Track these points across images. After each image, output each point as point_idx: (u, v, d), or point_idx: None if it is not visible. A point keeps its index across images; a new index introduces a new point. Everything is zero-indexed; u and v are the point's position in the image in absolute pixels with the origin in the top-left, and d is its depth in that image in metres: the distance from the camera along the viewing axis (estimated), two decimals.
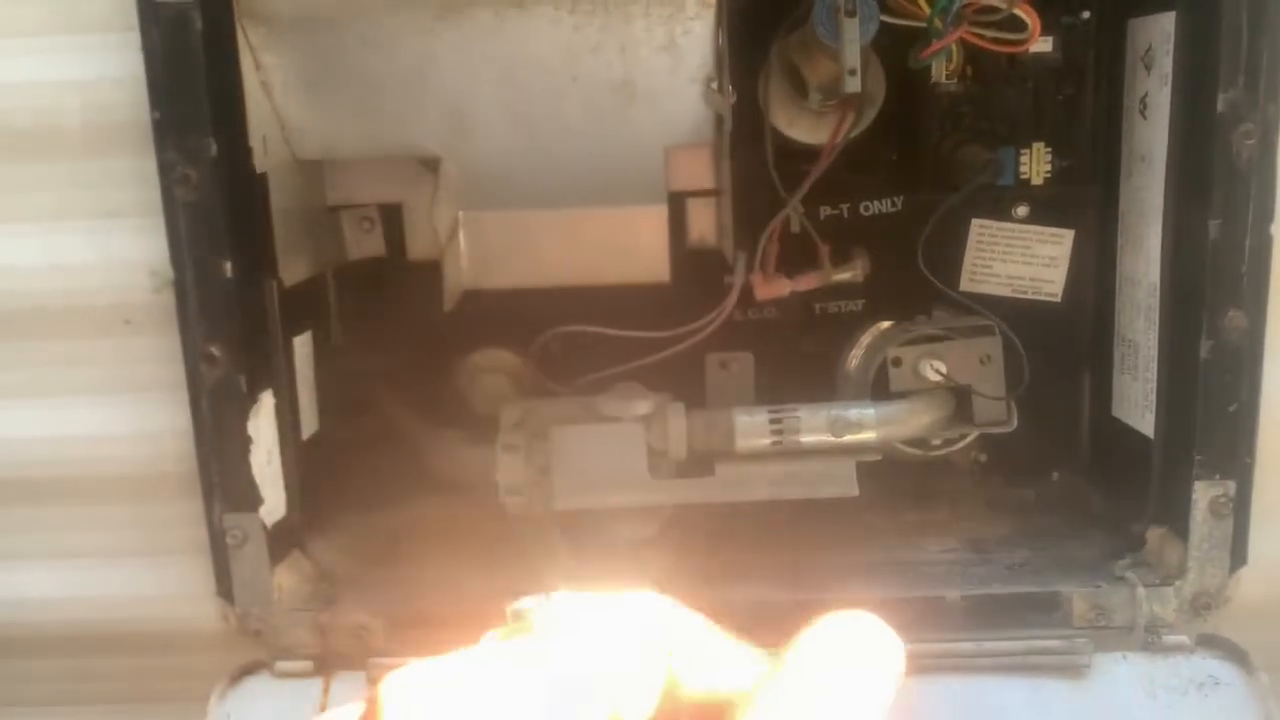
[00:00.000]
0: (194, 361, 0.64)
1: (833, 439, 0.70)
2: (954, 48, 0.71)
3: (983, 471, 0.83)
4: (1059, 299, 0.80)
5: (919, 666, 0.67)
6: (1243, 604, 0.68)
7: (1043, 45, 0.72)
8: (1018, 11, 0.66)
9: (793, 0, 0.68)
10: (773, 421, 0.70)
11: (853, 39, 0.63)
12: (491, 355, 0.80)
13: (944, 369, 0.73)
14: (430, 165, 0.70)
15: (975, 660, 0.67)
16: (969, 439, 0.77)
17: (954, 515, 0.80)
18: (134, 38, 0.61)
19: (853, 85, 0.63)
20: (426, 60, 0.63)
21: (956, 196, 0.73)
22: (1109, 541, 0.74)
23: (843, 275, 0.76)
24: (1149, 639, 0.67)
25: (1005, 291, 0.80)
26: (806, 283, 0.75)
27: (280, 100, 0.65)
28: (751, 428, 0.70)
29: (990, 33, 0.68)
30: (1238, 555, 0.67)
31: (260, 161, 0.64)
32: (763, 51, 0.72)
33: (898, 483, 0.82)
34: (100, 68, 0.63)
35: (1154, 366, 0.70)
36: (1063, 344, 0.81)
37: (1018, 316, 0.78)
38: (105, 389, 0.68)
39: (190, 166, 0.61)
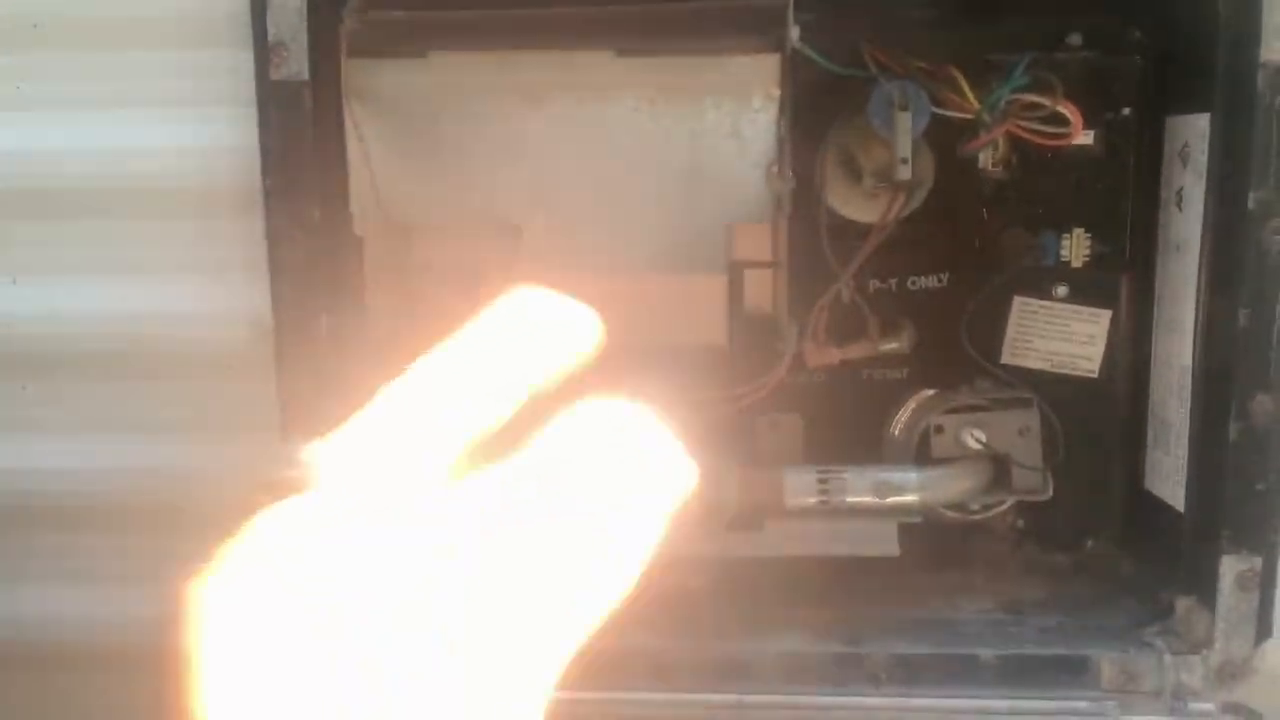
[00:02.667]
0: (290, 406, 0.70)
1: (876, 500, 0.74)
2: (1000, 140, 0.76)
3: (1020, 537, 0.86)
4: (1096, 375, 0.83)
5: None
6: (1268, 674, 0.71)
7: (1085, 138, 0.77)
8: (1060, 108, 0.71)
9: (846, 94, 0.73)
10: (820, 481, 0.74)
11: (905, 130, 0.68)
12: None
13: (984, 438, 0.76)
14: (513, 232, 0.76)
15: (1006, 718, 0.71)
16: (1006, 505, 0.81)
17: (990, 578, 0.83)
18: (249, 112, 0.68)
19: (904, 173, 0.68)
20: (514, 140, 0.69)
21: (1000, 277, 0.77)
22: (1139, 609, 0.76)
23: (889, 345, 0.80)
24: (1175, 705, 0.70)
25: (1045, 366, 0.83)
26: (855, 352, 0.80)
27: (377, 170, 0.71)
28: (800, 486, 0.74)
29: (1035, 126, 0.73)
30: (1263, 628, 0.70)
31: (359, 226, 0.70)
32: (821, 136, 0.77)
33: (938, 545, 0.85)
34: (218, 137, 0.70)
35: (1185, 444, 0.74)
36: (1099, 418, 0.84)
37: (1056, 390, 0.82)
38: (202, 427, 0.74)
39: (296, 229, 0.68)
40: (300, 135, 0.67)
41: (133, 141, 0.70)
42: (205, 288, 0.72)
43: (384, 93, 0.69)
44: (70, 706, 0.79)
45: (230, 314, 0.72)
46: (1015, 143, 0.77)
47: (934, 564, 0.84)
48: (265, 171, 0.68)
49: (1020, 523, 0.85)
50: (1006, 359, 0.83)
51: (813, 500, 0.74)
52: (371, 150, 0.71)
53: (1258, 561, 0.69)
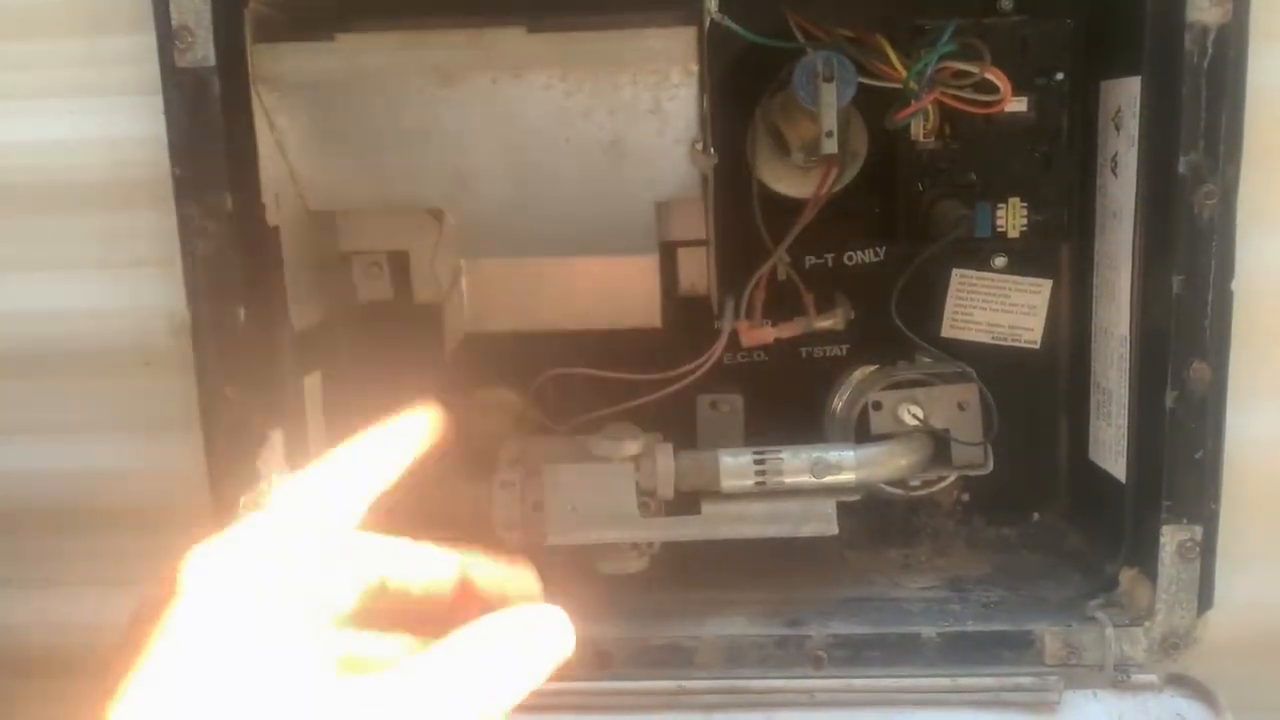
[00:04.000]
0: (209, 401, 0.68)
1: (814, 480, 0.73)
2: (930, 108, 0.74)
3: (965, 511, 0.85)
4: (1038, 346, 0.83)
5: (894, 701, 0.70)
6: (1211, 645, 0.70)
7: (1018, 105, 0.75)
8: (989, 75, 0.70)
9: (775, 65, 0.72)
10: (756, 463, 0.73)
11: (830, 103, 0.67)
12: (491, 395, 0.84)
13: (922, 414, 0.76)
14: (435, 216, 0.74)
15: (949, 696, 0.70)
16: (947, 482, 0.80)
17: (934, 553, 0.82)
18: (156, 100, 0.66)
19: (830, 146, 0.67)
20: (429, 121, 0.67)
21: (931, 249, 0.76)
22: (1084, 581, 0.76)
23: (825, 323, 0.79)
24: (1118, 677, 0.70)
25: (986, 338, 0.82)
26: (790, 330, 0.79)
27: (292, 157, 0.69)
28: (736, 469, 0.73)
29: (964, 94, 0.71)
30: (1205, 598, 0.69)
31: (273, 215, 0.68)
32: (749, 111, 0.76)
33: (882, 521, 0.85)
34: (125, 128, 0.68)
35: (1125, 413, 0.73)
36: (1042, 389, 0.83)
37: (998, 362, 0.81)
38: (124, 426, 0.72)
39: (208, 220, 0.66)
40: (209, 123, 0.65)
41: (36, 134, 0.68)
42: (119, 283, 0.70)
43: (293, 77, 0.67)
44: None
45: (146, 309, 0.70)
46: (947, 112, 0.75)
47: (878, 541, 0.84)
48: (174, 161, 0.66)
49: (966, 496, 0.85)
50: (947, 332, 0.82)
51: (750, 482, 0.73)
52: (284, 138, 0.69)
53: (1198, 530, 0.68)
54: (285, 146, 0.69)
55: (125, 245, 0.69)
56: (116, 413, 0.72)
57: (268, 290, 0.69)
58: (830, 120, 0.66)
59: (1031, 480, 0.85)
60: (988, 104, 0.71)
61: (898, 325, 0.75)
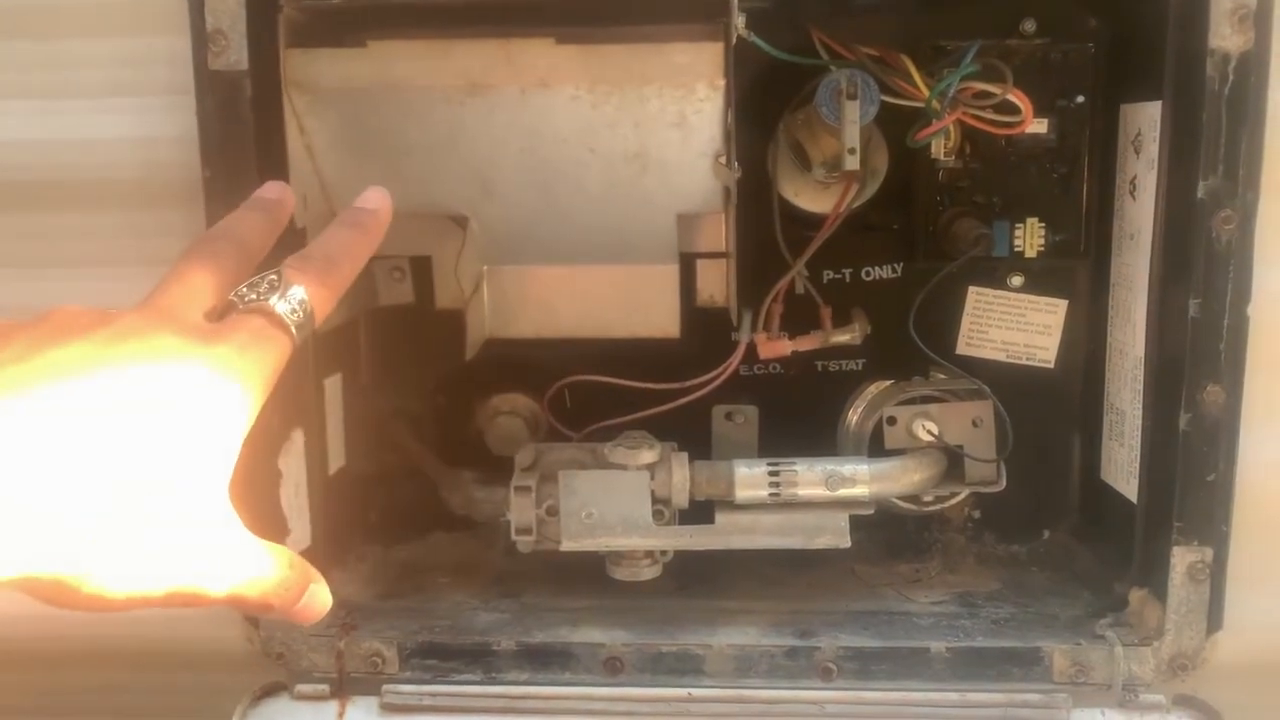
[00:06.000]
0: None
1: (827, 493, 0.73)
2: (951, 128, 0.75)
3: (976, 528, 0.86)
4: (1052, 365, 0.83)
5: (902, 715, 0.70)
6: (1219, 667, 0.71)
7: (1038, 126, 0.76)
8: (1011, 97, 0.70)
9: (799, 82, 0.72)
10: (771, 474, 0.73)
11: (853, 120, 0.67)
12: (509, 400, 0.85)
13: (936, 430, 0.76)
14: (459, 223, 0.75)
15: (957, 711, 0.70)
16: (960, 497, 0.80)
17: (945, 569, 0.83)
18: (188, 101, 0.67)
19: (852, 164, 0.67)
20: (456, 129, 0.68)
21: (949, 267, 0.76)
22: (1094, 600, 0.76)
23: (842, 337, 0.80)
24: (1126, 697, 0.70)
25: (1000, 356, 0.83)
26: (807, 343, 0.79)
27: (320, 161, 0.70)
28: (750, 479, 0.74)
29: (986, 115, 0.72)
30: (1214, 619, 0.70)
31: (300, 217, 0.69)
32: (771, 126, 0.76)
33: (893, 536, 0.85)
34: (157, 128, 0.69)
35: (1138, 434, 0.74)
36: (1056, 408, 0.84)
37: (1012, 381, 0.81)
38: None
39: None
40: (240, 126, 0.66)
41: (69, 133, 0.69)
42: (149, 282, 0.70)
43: (324, 82, 0.68)
44: None
45: None
46: (968, 132, 0.76)
47: (889, 555, 0.84)
48: (205, 162, 0.67)
49: (977, 513, 0.85)
50: (962, 350, 0.83)
51: (764, 493, 0.73)
52: (314, 141, 0.69)
53: (1208, 552, 0.69)
54: (314, 150, 0.70)
55: (155, 244, 0.70)
56: None
57: None
58: (853, 137, 0.67)
59: (1043, 499, 0.85)
60: (1009, 125, 0.72)
61: (914, 341, 0.76)
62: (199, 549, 0.42)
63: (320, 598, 0.48)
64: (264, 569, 0.45)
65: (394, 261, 0.81)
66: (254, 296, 0.46)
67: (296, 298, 0.46)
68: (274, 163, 0.68)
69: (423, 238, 0.79)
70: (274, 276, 0.47)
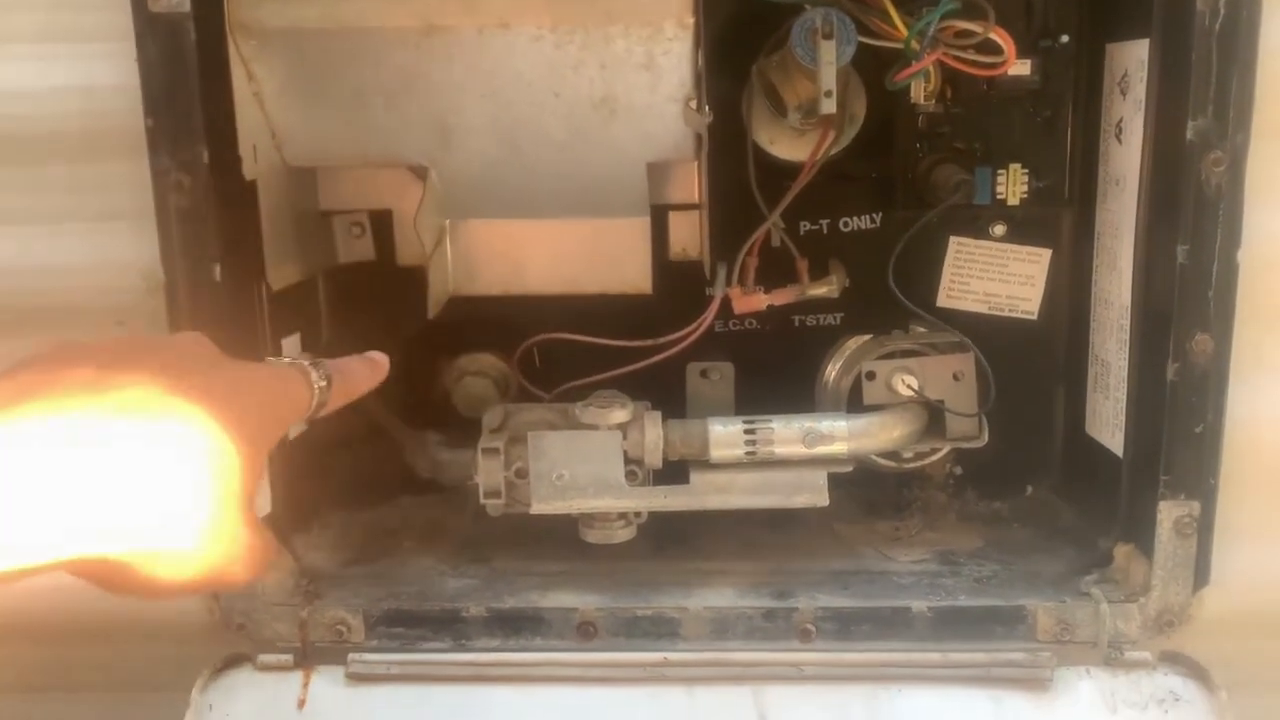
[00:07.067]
0: None
1: (805, 450, 0.71)
2: (932, 70, 0.72)
3: (957, 484, 0.84)
4: (1035, 316, 0.81)
5: (884, 675, 0.69)
6: (1206, 622, 0.70)
7: (1021, 68, 0.73)
8: (993, 35, 0.68)
9: (773, 22, 0.69)
10: (747, 432, 0.71)
11: (829, 61, 0.64)
12: (476, 360, 0.82)
13: (916, 384, 0.74)
14: (418, 174, 0.72)
15: (939, 671, 0.69)
16: (941, 453, 0.78)
17: (926, 526, 0.81)
18: (130, 47, 0.63)
19: (828, 106, 0.64)
20: (412, 74, 0.65)
21: (928, 216, 0.74)
22: (1078, 556, 0.75)
23: (819, 290, 0.77)
24: (1112, 654, 0.69)
25: (982, 308, 0.81)
26: (783, 297, 0.77)
27: (271, 109, 0.67)
28: (726, 438, 0.71)
29: (967, 55, 0.69)
30: (1201, 574, 0.68)
31: (250, 169, 0.66)
32: (745, 71, 0.73)
33: (873, 494, 0.83)
34: (97, 76, 0.65)
35: (1124, 386, 0.72)
36: (1039, 361, 0.82)
37: (995, 333, 0.79)
38: None
39: (183, 173, 0.63)
40: (183, 72, 0.63)
41: (4, 83, 0.65)
42: (91, 237, 0.67)
43: (271, 24, 0.64)
44: None
45: (119, 265, 0.67)
46: (948, 74, 0.73)
47: (870, 513, 0.82)
48: (147, 111, 0.64)
49: (958, 469, 0.84)
50: (943, 302, 0.81)
51: (740, 452, 0.71)
52: (262, 88, 0.66)
53: (1195, 507, 0.67)
54: (263, 98, 0.66)
55: (97, 198, 0.67)
56: None
57: (244, 248, 0.67)
58: (829, 79, 0.64)
59: (1026, 453, 0.83)
60: (990, 66, 0.69)
61: (894, 293, 0.73)
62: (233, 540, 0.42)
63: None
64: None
65: (353, 216, 0.78)
66: (287, 360, 0.51)
67: (323, 370, 0.51)
68: (220, 111, 0.64)
69: (382, 191, 0.76)
70: (305, 360, 0.51)
